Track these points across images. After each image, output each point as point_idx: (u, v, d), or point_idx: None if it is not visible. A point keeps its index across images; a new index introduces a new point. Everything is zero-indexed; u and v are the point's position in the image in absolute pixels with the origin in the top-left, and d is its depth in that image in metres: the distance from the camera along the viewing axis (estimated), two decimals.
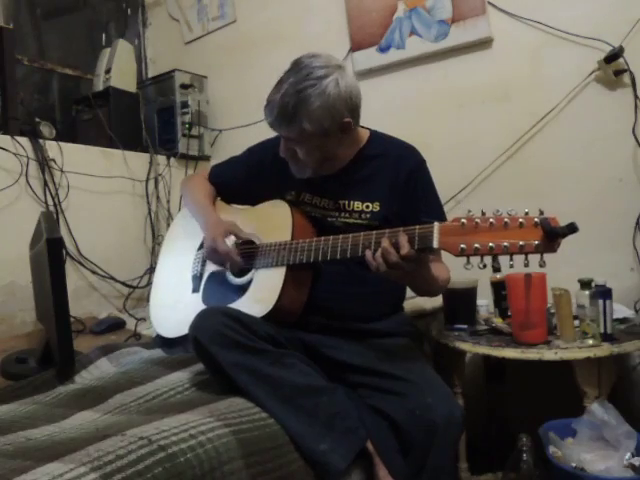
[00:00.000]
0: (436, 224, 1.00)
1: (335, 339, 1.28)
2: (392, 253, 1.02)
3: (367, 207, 1.32)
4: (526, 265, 0.91)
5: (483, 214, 0.95)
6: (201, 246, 1.50)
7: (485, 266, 0.95)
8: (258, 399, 1.11)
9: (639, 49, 1.68)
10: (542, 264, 0.90)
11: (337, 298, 1.32)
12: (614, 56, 1.69)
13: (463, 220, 0.97)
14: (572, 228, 0.88)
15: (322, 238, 1.22)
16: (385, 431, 1.12)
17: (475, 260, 0.96)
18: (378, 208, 1.31)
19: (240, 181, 1.51)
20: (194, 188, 1.56)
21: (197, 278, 1.49)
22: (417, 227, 1.03)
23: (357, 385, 1.20)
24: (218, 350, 1.12)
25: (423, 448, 1.06)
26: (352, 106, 1.24)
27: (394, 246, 1.03)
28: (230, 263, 1.35)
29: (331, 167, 1.34)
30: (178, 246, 1.61)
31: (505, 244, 0.91)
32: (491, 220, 0.94)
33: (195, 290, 1.48)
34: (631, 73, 1.69)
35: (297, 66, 1.22)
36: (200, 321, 1.17)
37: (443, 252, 1.33)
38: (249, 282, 1.36)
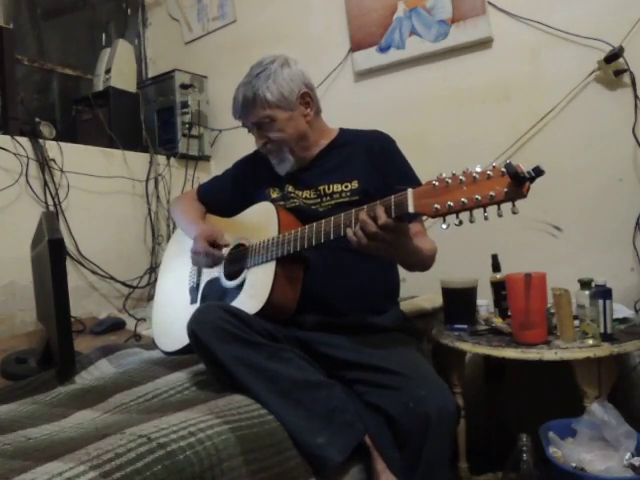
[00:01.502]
0: (409, 190, 1.02)
1: (330, 336, 1.28)
2: (370, 224, 1.05)
3: (346, 187, 1.38)
4: (500, 215, 0.92)
5: (453, 174, 0.97)
6: None
7: (461, 222, 0.96)
8: (256, 393, 1.11)
9: (639, 49, 1.68)
10: (515, 212, 0.91)
11: (331, 293, 1.32)
12: (614, 56, 1.69)
13: (434, 182, 0.99)
14: (538, 171, 0.89)
15: (306, 226, 1.24)
16: (382, 426, 1.12)
17: (451, 219, 0.97)
18: (357, 185, 1.37)
19: (228, 193, 1.58)
20: (183, 208, 1.62)
21: (194, 289, 1.50)
22: (392, 196, 1.05)
23: (353, 381, 1.20)
24: (216, 344, 1.13)
25: (418, 441, 1.06)
26: (307, 81, 1.40)
27: (372, 218, 1.05)
28: (212, 259, 1.38)
29: (306, 150, 1.42)
30: (174, 264, 1.62)
31: (477, 197, 0.93)
32: (461, 177, 0.95)
33: (193, 301, 1.48)
34: (631, 73, 1.70)
35: (250, 69, 1.41)
36: (198, 316, 1.18)
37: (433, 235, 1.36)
38: (242, 283, 1.36)
